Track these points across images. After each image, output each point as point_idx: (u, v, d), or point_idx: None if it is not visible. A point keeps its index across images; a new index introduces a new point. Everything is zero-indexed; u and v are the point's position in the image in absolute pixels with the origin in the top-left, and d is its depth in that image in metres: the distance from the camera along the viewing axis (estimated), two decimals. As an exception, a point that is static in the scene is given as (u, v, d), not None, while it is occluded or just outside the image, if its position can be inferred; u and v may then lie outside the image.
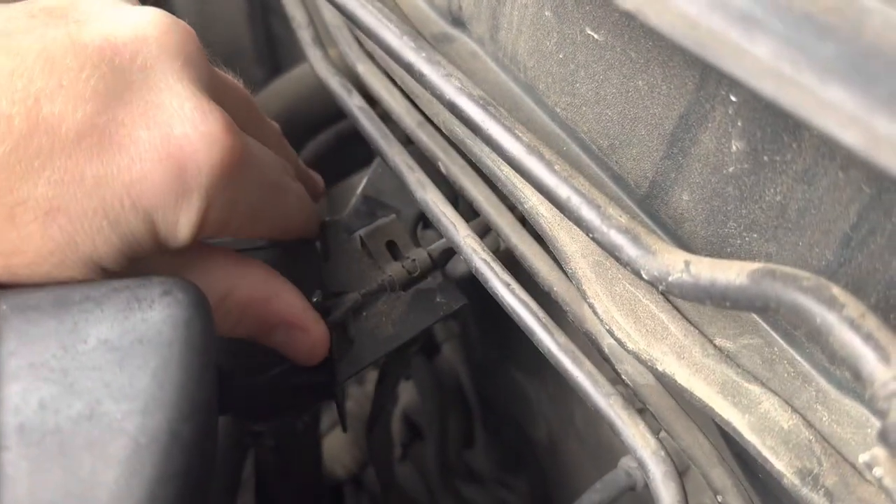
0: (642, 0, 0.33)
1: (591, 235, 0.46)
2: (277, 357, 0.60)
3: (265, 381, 0.60)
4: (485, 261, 0.55)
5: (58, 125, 0.42)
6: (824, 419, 0.45)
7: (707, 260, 0.42)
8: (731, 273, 0.40)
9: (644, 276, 0.44)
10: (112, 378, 0.40)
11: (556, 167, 0.48)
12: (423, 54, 0.54)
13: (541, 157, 0.49)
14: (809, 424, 0.44)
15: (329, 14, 0.71)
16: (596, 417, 0.78)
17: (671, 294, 0.43)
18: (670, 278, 0.42)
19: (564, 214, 0.48)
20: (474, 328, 0.89)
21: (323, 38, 0.71)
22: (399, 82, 0.64)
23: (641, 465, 0.48)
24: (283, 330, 0.56)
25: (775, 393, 0.46)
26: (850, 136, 0.26)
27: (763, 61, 0.29)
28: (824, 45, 0.27)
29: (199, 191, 0.46)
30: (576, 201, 0.47)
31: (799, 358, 0.47)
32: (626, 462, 0.64)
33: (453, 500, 0.92)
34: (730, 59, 0.30)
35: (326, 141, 0.87)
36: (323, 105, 0.82)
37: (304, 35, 0.70)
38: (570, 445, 0.84)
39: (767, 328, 0.48)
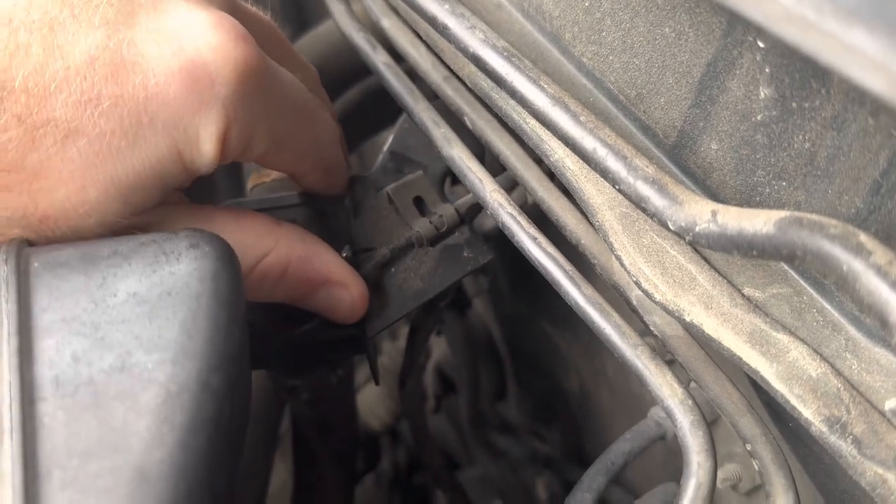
0: (664, -55, 0.33)
1: (617, 187, 0.46)
2: (307, 312, 0.61)
3: (298, 337, 0.61)
4: (511, 215, 0.55)
5: (71, 50, 0.43)
6: (854, 367, 0.45)
7: (734, 209, 0.41)
8: (757, 222, 0.39)
9: (671, 226, 0.44)
10: (141, 330, 0.41)
11: (582, 118, 0.48)
12: (447, 6, 0.54)
13: (566, 108, 0.48)
14: (838, 373, 0.44)
15: (352, -31, 0.70)
16: (626, 368, 0.79)
17: (698, 244, 0.43)
18: (697, 228, 0.42)
19: (590, 166, 0.48)
20: (504, 282, 0.90)
21: (347, -7, 0.71)
22: (424, 37, 0.63)
23: (669, 414, 0.48)
24: (325, 289, 0.57)
25: (804, 341, 0.45)
26: (874, 82, 0.26)
27: (786, 6, 0.28)
28: (849, -12, 0.26)
29: (217, 103, 0.46)
30: (602, 153, 0.47)
31: (828, 306, 0.47)
32: (655, 412, 0.64)
33: (486, 451, 0.94)
34: (754, 5, 0.30)
35: (353, 98, 0.87)
36: (348, 62, 0.82)
37: (328, -10, 0.69)
38: (601, 396, 0.85)
39: (797, 277, 0.48)
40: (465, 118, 0.62)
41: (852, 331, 0.46)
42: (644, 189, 0.45)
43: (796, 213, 0.38)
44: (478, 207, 0.65)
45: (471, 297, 0.94)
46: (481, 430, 0.94)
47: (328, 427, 0.81)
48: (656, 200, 0.44)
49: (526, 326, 0.92)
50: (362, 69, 0.82)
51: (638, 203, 0.45)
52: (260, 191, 0.74)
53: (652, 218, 0.45)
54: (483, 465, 0.92)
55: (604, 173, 0.47)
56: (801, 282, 0.48)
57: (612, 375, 0.81)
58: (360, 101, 0.87)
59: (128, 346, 0.40)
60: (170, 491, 0.37)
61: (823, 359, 0.45)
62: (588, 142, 0.47)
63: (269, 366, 0.71)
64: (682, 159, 0.52)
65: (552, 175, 0.59)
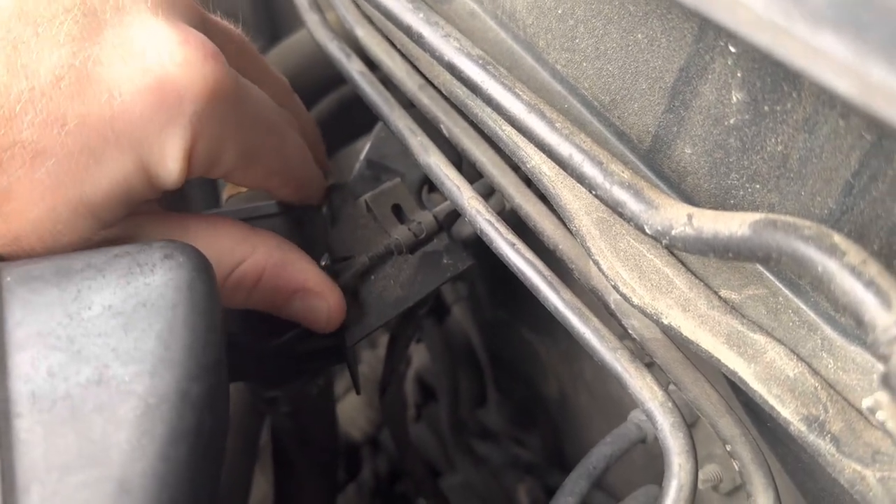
0: (636, -47, 0.33)
1: (593, 192, 0.47)
2: (287, 323, 0.61)
3: (276, 347, 0.61)
4: (489, 221, 0.55)
5: (36, 70, 0.42)
6: (830, 366, 0.46)
7: (709, 212, 0.42)
8: (732, 224, 0.40)
9: (647, 230, 0.44)
10: (118, 342, 0.41)
11: (558, 125, 0.48)
12: (421, 15, 0.54)
13: (542, 115, 0.49)
14: (815, 372, 0.45)
15: (325, -22, 0.70)
16: (605, 372, 0.79)
17: (675, 248, 0.43)
18: (673, 232, 0.43)
19: (567, 172, 0.48)
20: (482, 289, 0.90)
21: (320, 3, 0.71)
22: (398, 45, 0.64)
23: (650, 416, 0.48)
24: (301, 297, 0.57)
25: (780, 342, 0.46)
26: (844, 85, 0.26)
27: (756, 12, 0.29)
28: (817, -7, 0.27)
29: (184, 120, 0.45)
30: (577, 159, 0.47)
31: (804, 307, 0.47)
32: (635, 415, 0.65)
33: (468, 458, 0.94)
34: (724, 10, 0.30)
35: (328, 108, 0.87)
36: (323, 71, 0.82)
37: (301, 0, 0.69)
38: (580, 400, 0.85)
39: (772, 278, 0.49)
40: (442, 126, 0.62)
41: (828, 330, 0.47)
42: (620, 194, 0.45)
43: (770, 216, 0.38)
44: (456, 214, 0.65)
45: (449, 304, 0.94)
46: (462, 437, 0.94)
47: (308, 438, 0.81)
48: (632, 205, 0.45)
49: (505, 332, 0.92)
50: (337, 79, 0.82)
51: (614, 208, 0.46)
52: (236, 201, 0.73)
53: (628, 222, 0.45)
54: (465, 473, 0.92)
55: (580, 179, 0.47)
56: (777, 283, 0.49)
57: (590, 379, 0.81)
58: (335, 111, 0.87)
59: (104, 359, 0.40)
60: (151, 503, 0.36)
61: (800, 358, 0.45)
62: (564, 148, 0.47)
63: (248, 377, 0.70)
64: (657, 164, 0.52)
65: (529, 181, 0.60)
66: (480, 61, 0.51)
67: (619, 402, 0.76)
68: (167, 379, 0.40)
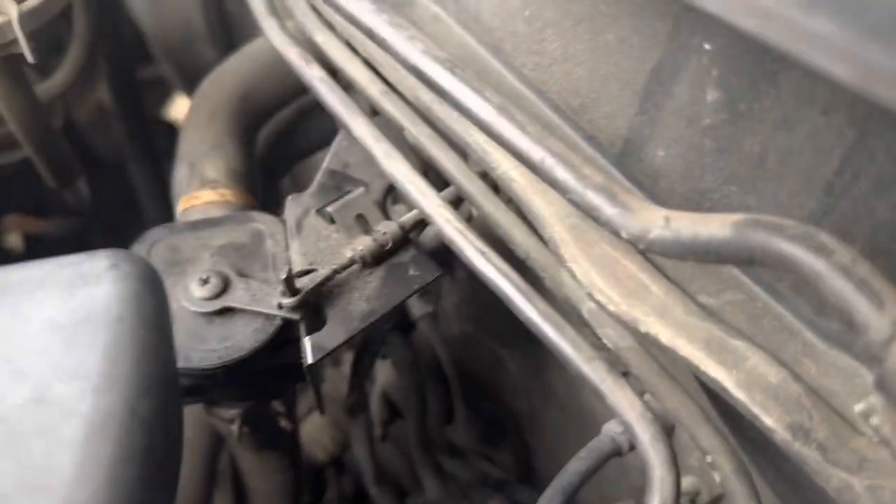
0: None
1: (567, 197, 0.45)
2: (246, 342, 0.58)
3: (236, 365, 0.58)
4: (458, 230, 0.53)
5: None
6: (812, 372, 0.44)
7: (687, 215, 0.40)
8: (713, 226, 0.38)
9: (623, 234, 0.42)
10: (60, 359, 0.38)
11: (529, 128, 0.46)
12: (384, 17, 0.52)
13: (512, 118, 0.47)
14: (797, 378, 0.44)
15: (283, -17, 0.68)
16: (576, 384, 0.78)
17: (652, 252, 0.42)
18: (650, 235, 0.41)
19: (539, 177, 0.46)
20: (448, 302, 0.88)
21: (278, 9, 0.68)
22: (361, 51, 0.62)
23: (629, 429, 0.47)
24: None
25: (761, 348, 0.45)
26: (842, 70, 0.25)
27: (745, -5, 0.27)
28: (808, -25, 0.26)
29: None
30: (550, 163, 0.45)
31: (783, 311, 0.46)
32: (610, 427, 0.63)
33: (436, 477, 0.91)
34: (710, -5, 0.29)
35: (288, 117, 0.85)
36: (282, 80, 0.80)
37: (258, 7, 0.67)
38: (551, 413, 0.83)
39: (750, 283, 0.47)
40: (406, 133, 0.60)
41: (808, 335, 0.46)
42: (594, 198, 0.44)
43: (752, 216, 0.37)
44: (422, 224, 0.63)
45: (415, 318, 0.92)
46: (430, 455, 0.92)
47: (269, 459, 0.77)
48: (607, 209, 0.43)
49: (472, 347, 0.90)
50: (296, 87, 0.80)
51: (589, 212, 0.44)
52: (191, 213, 0.70)
53: (604, 227, 0.43)
54: (433, 492, 0.90)
55: (553, 183, 0.45)
56: (755, 287, 0.47)
57: (561, 393, 0.79)
58: (295, 121, 0.84)
59: (46, 377, 0.37)
60: (99, 532, 0.33)
61: (782, 364, 0.44)
62: (535, 152, 0.46)
63: (206, 397, 0.67)
64: (629, 168, 0.51)
65: (497, 189, 0.58)
66: (447, 64, 0.50)
67: (593, 414, 0.74)
68: (114, 396, 0.37)
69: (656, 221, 0.41)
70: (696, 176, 0.46)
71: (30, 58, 0.60)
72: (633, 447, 0.63)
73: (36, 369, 0.37)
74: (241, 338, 0.59)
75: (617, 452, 0.63)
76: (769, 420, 0.43)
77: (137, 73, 1.48)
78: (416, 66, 0.51)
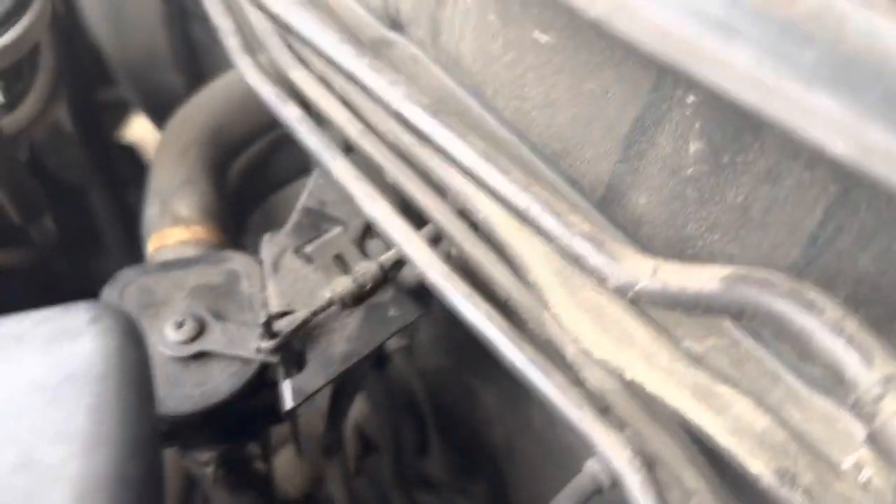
0: (610, 7, 0.32)
1: (552, 244, 0.45)
2: (223, 386, 0.57)
3: (213, 409, 0.57)
4: (442, 274, 0.53)
5: None
6: (796, 418, 0.45)
7: (674, 265, 0.41)
8: (702, 279, 0.39)
9: (609, 284, 0.43)
10: (44, 420, 0.37)
11: (513, 175, 0.47)
12: (366, 61, 0.52)
13: (496, 164, 0.47)
14: (782, 424, 0.44)
15: (257, 19, 0.68)
16: (555, 419, 0.77)
17: (639, 302, 0.42)
18: (638, 286, 0.41)
19: (524, 224, 0.47)
20: (424, 336, 0.87)
21: (251, 44, 0.68)
22: (339, 89, 0.61)
23: (616, 476, 0.46)
24: None
25: (747, 394, 0.45)
26: (841, 147, 0.25)
27: (743, 70, 0.28)
28: (805, 52, 0.26)
29: None
30: (535, 210, 0.45)
31: (767, 356, 0.47)
32: (591, 465, 0.63)
33: (412, 512, 0.90)
34: (708, 68, 0.29)
35: (259, 152, 0.84)
36: (253, 115, 0.79)
37: (232, 43, 0.66)
38: (528, 448, 0.83)
39: (733, 329, 0.48)
40: (386, 173, 0.60)
41: (791, 380, 0.46)
42: (581, 246, 0.44)
43: (741, 270, 0.38)
44: (401, 263, 0.63)
45: (390, 352, 0.91)
46: (405, 489, 0.91)
47: (243, 502, 0.76)
48: (594, 258, 0.43)
49: (448, 380, 0.89)
50: (268, 122, 0.79)
51: (575, 260, 0.44)
52: (163, 252, 0.69)
53: (590, 275, 0.44)
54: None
55: (538, 230, 0.46)
56: (738, 333, 0.48)
57: (539, 427, 0.79)
58: (266, 154, 0.83)
59: (29, 440, 0.36)
60: None
61: (767, 410, 0.44)
62: (521, 199, 0.46)
63: (182, 442, 0.65)
64: (611, 213, 0.51)
65: (477, 228, 0.58)
66: (430, 109, 0.50)
67: (570, 449, 0.74)
68: (101, 459, 0.36)
69: (644, 272, 0.41)
70: (679, 224, 0.47)
71: (1, 98, 0.59)
72: (615, 484, 0.63)
73: (19, 432, 0.36)
74: (218, 382, 0.58)
75: (598, 490, 0.63)
76: (756, 466, 0.43)
77: (97, 95, 1.45)
78: (399, 111, 0.51)
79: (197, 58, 1.21)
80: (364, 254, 0.64)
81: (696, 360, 0.47)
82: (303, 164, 0.85)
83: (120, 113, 1.67)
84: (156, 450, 0.40)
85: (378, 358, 0.92)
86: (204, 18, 1.15)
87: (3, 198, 0.74)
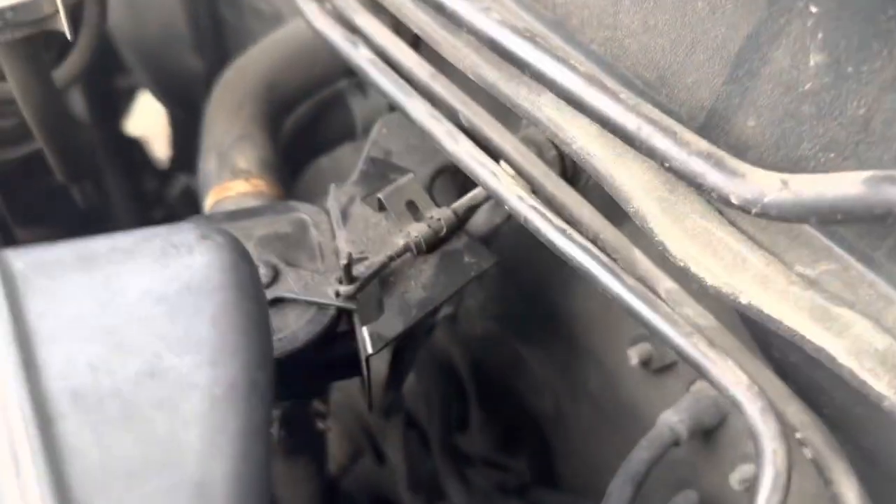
0: None
1: (666, 165, 0.44)
2: (300, 332, 0.56)
3: (293, 356, 0.55)
4: (534, 208, 0.52)
5: None
6: (913, 338, 0.44)
7: (804, 176, 0.40)
8: (842, 185, 0.38)
9: (734, 200, 0.41)
10: (166, 331, 0.35)
11: (622, 96, 0.45)
12: (456, -10, 0.51)
13: (603, 87, 0.46)
14: (903, 344, 0.43)
15: (318, -32, 0.66)
16: (614, 380, 0.76)
17: (767, 216, 0.41)
18: (766, 199, 0.40)
19: (633, 146, 0.45)
20: (473, 302, 0.86)
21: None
22: (417, 29, 0.60)
23: (735, 402, 0.45)
24: None
25: (864, 315, 0.44)
26: None
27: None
28: None
29: None
30: (647, 131, 0.44)
31: (878, 279, 0.46)
32: (667, 417, 0.62)
33: (461, 484, 0.88)
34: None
35: (307, 113, 0.82)
36: (307, 70, 0.77)
37: (296, -10, 0.65)
38: (581, 413, 0.82)
39: (843, 252, 0.47)
40: (461, 115, 0.59)
41: (906, 302, 0.45)
42: (698, 165, 0.43)
43: (884, 172, 0.37)
44: (473, 209, 0.61)
45: (433, 322, 0.89)
46: (454, 462, 0.89)
47: (298, 467, 0.74)
48: (713, 175, 0.42)
49: (493, 349, 0.88)
50: (321, 77, 0.78)
51: (692, 180, 0.43)
52: (224, 204, 0.67)
53: (709, 193, 0.43)
54: (459, 498, 0.87)
55: (650, 152, 0.44)
56: (849, 257, 0.47)
57: (595, 390, 0.78)
58: (315, 116, 0.82)
59: (154, 349, 0.34)
60: (236, 506, 0.31)
61: (886, 330, 0.43)
62: (630, 120, 0.45)
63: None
64: (712, 140, 0.50)
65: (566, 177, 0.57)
66: (527, 34, 0.48)
67: (632, 408, 0.73)
68: (233, 368, 0.34)
69: (772, 185, 0.40)
70: (792, 144, 0.46)
71: (69, 34, 0.57)
72: (693, 435, 0.62)
73: (142, 341, 0.34)
74: (295, 329, 0.56)
75: (675, 442, 0.62)
76: (879, 386, 0.42)
77: (113, 82, 1.43)
78: (492, 37, 0.49)
79: (223, 39, 1.19)
80: (435, 201, 0.62)
81: (812, 284, 0.46)
82: (347, 128, 0.84)
83: (131, 102, 1.65)
84: (273, 367, 0.38)
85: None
86: (233, 0, 1.14)
87: (50, 153, 0.72)
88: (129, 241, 0.38)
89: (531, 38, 0.48)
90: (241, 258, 0.39)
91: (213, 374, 0.34)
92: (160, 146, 1.76)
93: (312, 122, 0.81)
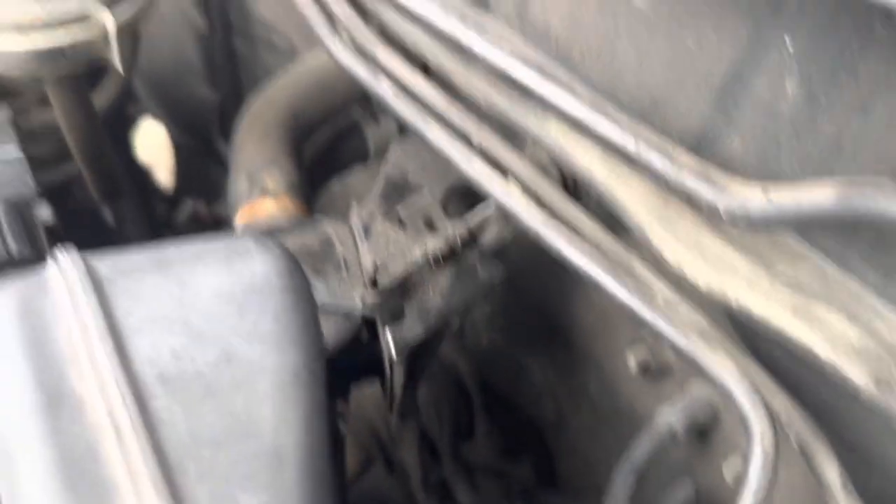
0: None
1: (661, 181, 0.50)
2: (329, 339, 0.61)
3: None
4: (545, 223, 0.57)
5: None
6: (884, 332, 0.49)
7: (782, 185, 0.46)
8: (815, 194, 0.43)
9: (722, 212, 0.47)
10: (237, 324, 0.40)
11: (622, 121, 0.51)
12: (469, 22, 0.57)
13: (606, 113, 0.52)
14: (875, 338, 0.49)
15: (338, 8, 0.72)
16: (612, 382, 0.82)
17: (753, 226, 0.47)
18: (750, 209, 0.46)
19: (632, 165, 0.51)
20: (480, 314, 0.91)
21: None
22: (432, 63, 0.66)
23: (724, 390, 0.50)
24: None
25: (840, 311, 0.50)
26: None
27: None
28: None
29: None
30: (644, 150, 0.50)
31: (852, 279, 0.51)
32: (664, 414, 0.67)
33: (469, 488, 0.93)
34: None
35: (325, 137, 0.88)
36: (325, 99, 0.83)
37: (321, 28, 0.71)
38: (582, 417, 0.87)
39: (818, 254, 0.52)
40: (473, 138, 0.64)
41: (874, 300, 0.51)
42: (690, 181, 0.49)
43: (847, 178, 0.42)
44: (485, 224, 0.67)
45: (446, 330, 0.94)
46: (463, 466, 0.94)
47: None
48: (704, 190, 0.48)
49: (497, 359, 0.93)
50: (337, 106, 0.84)
51: (685, 194, 0.49)
52: (255, 222, 0.72)
53: (700, 206, 0.48)
54: (467, 500, 0.92)
55: (648, 169, 0.50)
56: (824, 258, 0.52)
57: (595, 394, 0.83)
58: (332, 141, 0.88)
59: (228, 340, 0.39)
60: (306, 471, 0.36)
61: (861, 325, 0.49)
62: (629, 142, 0.51)
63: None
64: (701, 157, 0.56)
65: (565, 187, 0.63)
66: (536, 64, 0.54)
67: (630, 410, 0.78)
68: (296, 357, 0.40)
69: (755, 196, 0.46)
70: (772, 160, 0.52)
71: (122, 70, 0.63)
72: (688, 431, 0.67)
73: (216, 332, 0.39)
74: (325, 336, 0.61)
75: (673, 436, 0.67)
76: (857, 378, 0.47)
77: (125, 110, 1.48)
78: (504, 67, 0.55)
79: (237, 71, 1.24)
80: (449, 217, 0.68)
81: (791, 284, 0.51)
82: (361, 152, 0.89)
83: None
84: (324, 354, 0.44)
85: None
86: (246, 34, 1.20)
87: (89, 175, 0.77)
88: (196, 248, 0.44)
89: (541, 70, 0.54)
90: (294, 265, 0.45)
91: (279, 360, 0.39)
92: (162, 171, 1.81)
93: (330, 147, 0.87)
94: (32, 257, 0.55)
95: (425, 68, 0.69)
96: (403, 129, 0.91)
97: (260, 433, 0.36)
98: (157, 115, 1.50)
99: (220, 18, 1.19)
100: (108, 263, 0.42)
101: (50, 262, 0.42)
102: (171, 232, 1.61)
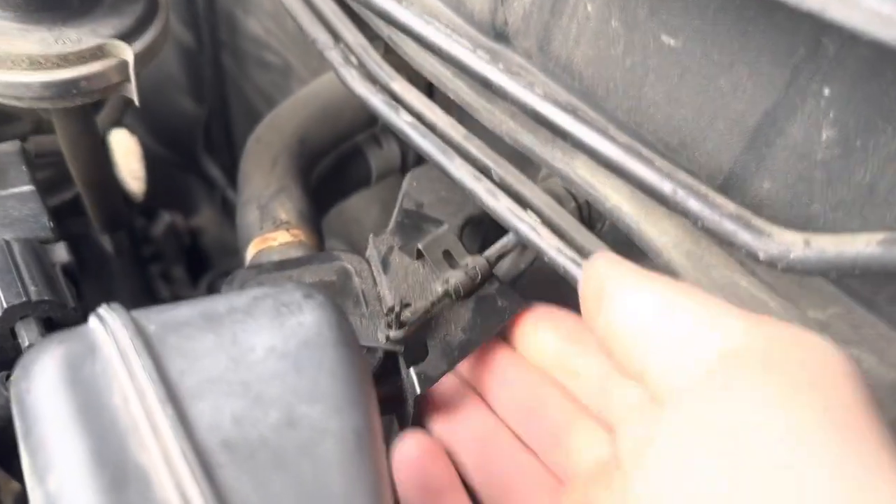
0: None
1: (699, 225, 0.50)
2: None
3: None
4: (572, 260, 0.57)
5: None
6: (914, 374, 0.51)
7: (824, 236, 0.46)
8: (858, 244, 0.44)
9: (762, 257, 0.48)
10: (295, 383, 0.39)
11: (657, 163, 0.52)
12: (500, 65, 0.57)
13: (639, 155, 0.52)
14: (906, 379, 0.50)
15: (351, 36, 0.71)
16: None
17: (792, 271, 0.47)
18: (791, 256, 0.47)
19: (669, 208, 0.52)
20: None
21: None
22: (454, 96, 0.65)
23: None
24: None
25: (870, 353, 0.51)
26: None
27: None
28: None
29: None
30: (682, 194, 0.51)
31: (880, 321, 0.52)
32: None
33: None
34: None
35: (330, 164, 0.87)
36: (332, 125, 0.82)
37: (334, 56, 0.70)
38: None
39: (847, 297, 0.53)
40: (493, 172, 0.64)
41: (904, 341, 0.52)
42: (729, 225, 0.49)
43: (890, 230, 0.43)
44: (503, 256, 0.67)
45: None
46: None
47: None
48: (743, 234, 0.49)
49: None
50: (345, 132, 0.83)
51: (724, 238, 0.49)
52: (268, 254, 0.71)
53: (740, 251, 0.49)
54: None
55: (684, 213, 0.51)
56: (852, 301, 0.53)
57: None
58: (336, 166, 0.87)
59: (288, 401, 0.39)
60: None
61: (891, 366, 0.50)
62: (666, 185, 0.51)
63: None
64: (730, 197, 0.56)
65: (589, 224, 0.63)
66: (569, 107, 0.54)
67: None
68: (356, 416, 0.39)
69: (796, 243, 0.47)
70: (804, 204, 0.52)
71: (137, 101, 0.61)
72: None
73: (275, 393, 0.39)
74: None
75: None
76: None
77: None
78: (535, 110, 0.55)
79: (223, 86, 1.23)
80: (467, 250, 0.68)
81: (823, 327, 0.52)
82: (364, 178, 0.89)
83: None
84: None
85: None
86: (235, 50, 1.18)
87: (90, 204, 0.75)
88: (244, 300, 0.43)
89: (573, 112, 0.54)
90: (342, 316, 0.44)
91: (341, 421, 0.38)
92: (133, 180, 1.78)
93: (334, 173, 0.86)
94: (51, 298, 0.54)
95: (430, 94, 0.69)
96: (406, 155, 0.91)
97: (331, 502, 0.35)
98: (138, 128, 1.47)
99: (208, 34, 1.17)
100: (155, 319, 0.40)
101: (93, 319, 0.40)
102: (150, 246, 1.59)
